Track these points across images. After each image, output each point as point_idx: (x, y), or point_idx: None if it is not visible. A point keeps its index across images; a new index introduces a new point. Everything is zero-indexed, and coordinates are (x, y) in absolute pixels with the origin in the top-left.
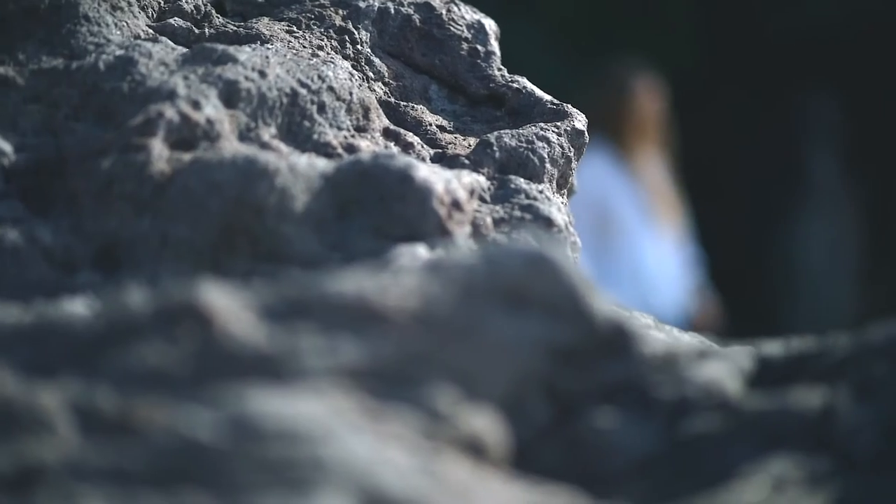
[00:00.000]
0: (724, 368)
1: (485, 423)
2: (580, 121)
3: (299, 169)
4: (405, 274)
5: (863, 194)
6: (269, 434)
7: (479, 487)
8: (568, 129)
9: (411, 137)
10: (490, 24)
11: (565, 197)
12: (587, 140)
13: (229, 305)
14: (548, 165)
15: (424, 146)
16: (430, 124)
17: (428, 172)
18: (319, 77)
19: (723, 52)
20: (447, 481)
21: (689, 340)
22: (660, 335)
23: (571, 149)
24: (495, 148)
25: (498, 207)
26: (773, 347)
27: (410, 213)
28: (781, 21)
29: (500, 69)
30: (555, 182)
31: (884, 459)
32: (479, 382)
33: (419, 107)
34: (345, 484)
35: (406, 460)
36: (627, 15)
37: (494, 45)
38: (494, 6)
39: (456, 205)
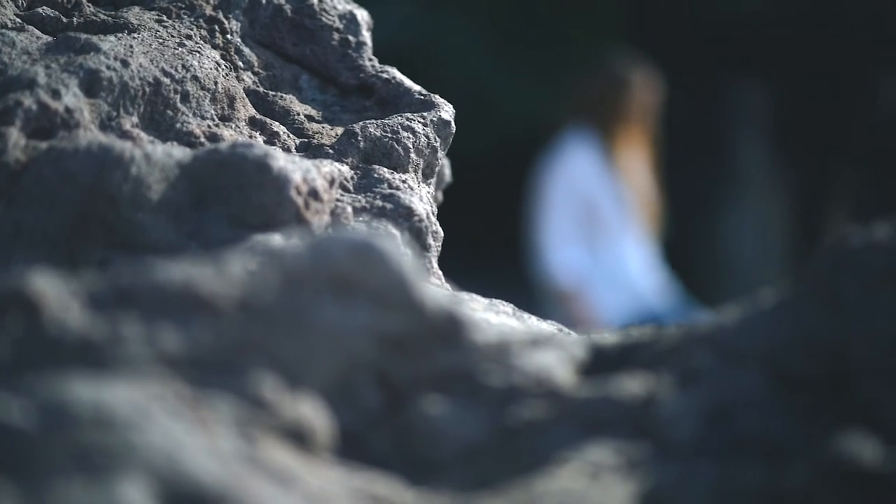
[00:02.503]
0: (555, 357)
1: (309, 411)
2: (447, 111)
3: (155, 158)
4: (233, 262)
5: (791, 180)
6: (83, 420)
7: (300, 473)
8: (434, 119)
9: (277, 127)
10: (362, 15)
11: (432, 187)
12: (453, 130)
13: (56, 293)
14: (412, 155)
15: (291, 136)
16: (299, 114)
17: (286, 162)
18: (184, 66)
19: (651, 40)
20: (266, 467)
21: (545, 328)
22: (514, 323)
23: (438, 139)
24: (360, 138)
25: (360, 197)
26: (610, 337)
27: (267, 202)
28: (709, 10)
29: (370, 59)
30: (420, 172)
31: (702, 445)
32: (305, 370)
33: (288, 97)
34: (151, 470)
35: (224, 446)
36: (557, 4)
37: (366, 36)
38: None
39: (314, 194)
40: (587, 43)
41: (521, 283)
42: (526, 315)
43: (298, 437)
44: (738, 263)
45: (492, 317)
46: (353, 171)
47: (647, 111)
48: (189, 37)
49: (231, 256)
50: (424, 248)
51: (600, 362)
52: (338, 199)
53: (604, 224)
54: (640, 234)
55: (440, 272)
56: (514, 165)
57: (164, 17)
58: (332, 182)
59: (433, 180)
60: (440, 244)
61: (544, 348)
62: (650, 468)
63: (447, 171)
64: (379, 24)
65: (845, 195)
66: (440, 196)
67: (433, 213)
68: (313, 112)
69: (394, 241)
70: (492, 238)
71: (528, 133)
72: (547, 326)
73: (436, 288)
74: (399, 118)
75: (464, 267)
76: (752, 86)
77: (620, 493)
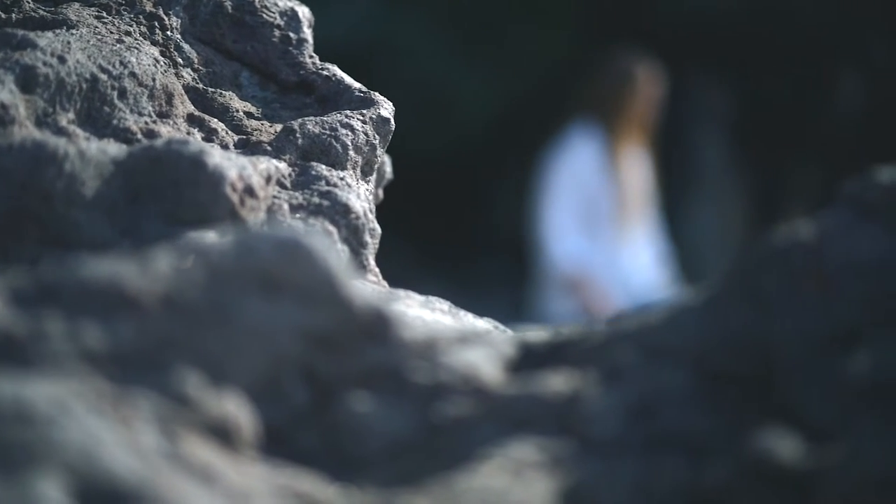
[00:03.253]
0: (483, 354)
1: (233, 408)
2: (386, 109)
3: (90, 154)
4: (158, 259)
5: (750, 177)
6: (3, 415)
7: (223, 470)
8: (374, 116)
9: (216, 124)
10: (304, 12)
11: (371, 184)
12: (393, 128)
13: None
14: (351, 153)
15: (229, 133)
16: (238, 111)
17: (221, 159)
18: (122, 63)
19: (608, 38)
20: (188, 464)
21: (481, 326)
22: (449, 320)
23: (377, 136)
24: (298, 135)
25: (297, 194)
26: (540, 334)
27: (202, 199)
28: (666, 8)
29: (311, 57)
30: (359, 169)
31: (625, 442)
32: (229, 367)
33: (228, 93)
34: (68, 465)
35: (145, 443)
36: (513, 2)
37: (307, 33)
38: None
39: (249, 191)
40: (544, 41)
41: (478, 280)
42: (462, 312)
43: (222, 435)
44: (697, 260)
45: (426, 314)
46: (290, 168)
47: (651, 106)
48: (128, 33)
49: (157, 253)
50: (361, 245)
51: (529, 360)
52: (274, 197)
53: (604, 217)
54: (641, 229)
55: (377, 269)
56: (471, 163)
57: (104, 14)
58: (268, 179)
59: (373, 177)
60: (377, 241)
61: (472, 346)
62: (573, 465)
63: (388, 169)
64: (337, 22)
65: (804, 193)
66: (381, 193)
67: (371, 211)
68: (253, 109)
69: (322, 238)
70: (449, 235)
71: (485, 130)
72: (482, 324)
73: (365, 285)
74: (338, 115)
75: (420, 263)
76: (710, 84)
77: (542, 490)
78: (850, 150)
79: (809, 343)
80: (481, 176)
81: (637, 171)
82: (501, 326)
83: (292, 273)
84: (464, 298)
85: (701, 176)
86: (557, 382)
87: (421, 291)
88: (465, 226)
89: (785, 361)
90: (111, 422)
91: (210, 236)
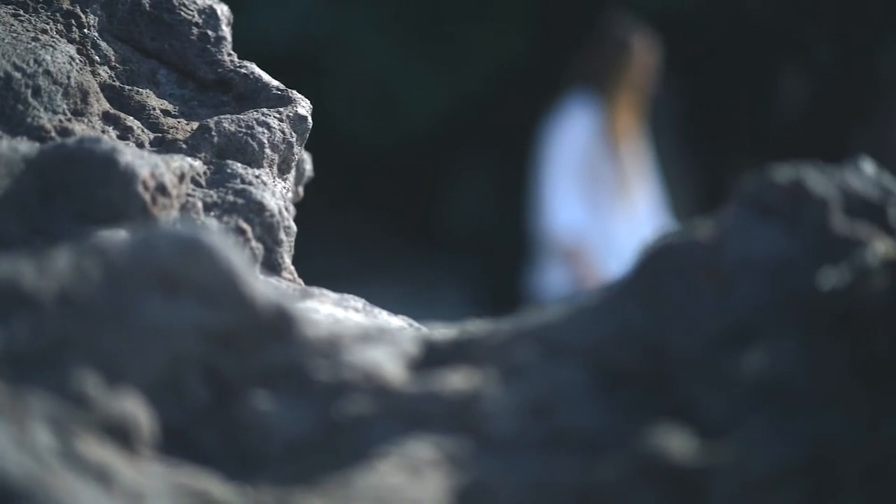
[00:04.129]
0: (386, 352)
1: (131, 407)
2: (304, 107)
3: (0, 152)
4: (57, 257)
5: (695, 173)
6: None
7: (119, 470)
8: (291, 114)
9: (132, 122)
10: (222, 10)
11: (289, 182)
12: (310, 125)
13: None
14: (267, 151)
15: (145, 130)
16: (154, 109)
17: (133, 157)
18: (36, 61)
19: (558, 35)
20: (83, 464)
21: (394, 323)
22: (360, 318)
23: (294, 134)
24: (214, 133)
25: (212, 192)
26: (447, 332)
27: (114, 198)
28: (614, 5)
29: (230, 55)
30: (275, 167)
31: (522, 440)
32: (128, 366)
33: (145, 91)
34: None
35: (39, 443)
36: (463, 2)
37: (226, 31)
38: None
39: (161, 189)
40: (493, 38)
41: (424, 276)
42: (377, 310)
43: (120, 434)
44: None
45: (339, 312)
46: (205, 167)
47: (646, 75)
48: (45, 31)
49: (56, 251)
50: (276, 243)
51: (432, 358)
52: (188, 195)
53: (603, 188)
54: (641, 201)
55: (293, 267)
56: (418, 159)
57: (21, 12)
58: (181, 177)
59: (290, 175)
60: (293, 239)
61: (375, 344)
62: (470, 463)
63: (308, 167)
64: (285, 18)
65: None
66: (301, 191)
67: (288, 209)
68: (170, 107)
69: (224, 237)
70: (396, 231)
71: (436, 127)
72: (396, 321)
73: (275, 282)
74: (255, 113)
75: (366, 260)
76: (658, 81)
77: (438, 488)
78: (794, 147)
79: (704, 341)
80: (432, 173)
81: (635, 142)
82: (416, 324)
83: (192, 271)
84: (415, 295)
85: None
86: (458, 381)
87: (371, 289)
88: (416, 222)
89: (680, 360)
90: (4, 422)
91: (119, 235)
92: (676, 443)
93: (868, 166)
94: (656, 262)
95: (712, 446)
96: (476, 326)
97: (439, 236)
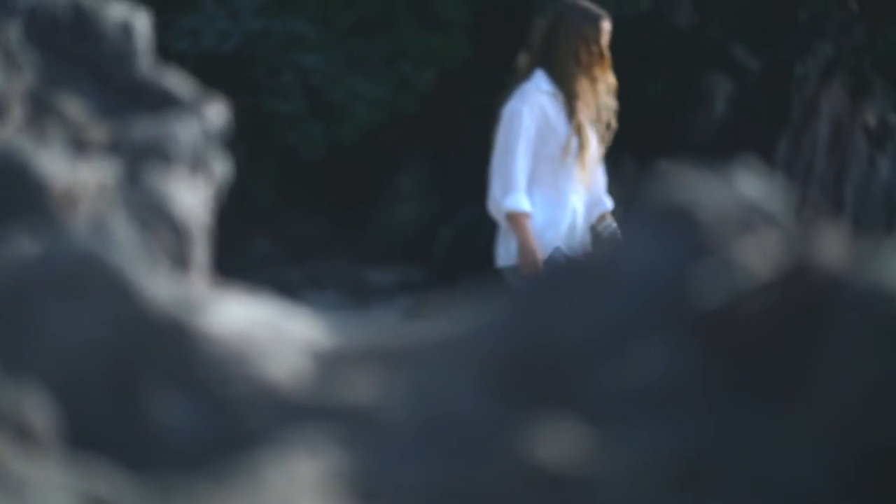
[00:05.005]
0: (286, 358)
1: (32, 408)
2: (218, 113)
3: None
4: None
5: (621, 180)
6: None
7: (17, 469)
8: (205, 121)
9: (51, 128)
10: (141, 20)
11: (204, 187)
12: (224, 132)
13: None
14: (181, 155)
15: (64, 137)
16: (73, 115)
17: (47, 162)
18: None
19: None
20: None
21: (301, 328)
22: (265, 322)
23: (208, 140)
24: (130, 139)
25: (125, 197)
26: (353, 338)
27: (26, 203)
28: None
29: (147, 63)
30: (190, 172)
31: (414, 446)
32: (29, 369)
33: (64, 99)
34: None
35: None
36: (400, 11)
37: (144, 41)
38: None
39: (72, 194)
40: (428, 42)
41: (360, 279)
42: (288, 313)
43: (20, 433)
44: None
45: (246, 314)
46: (120, 172)
47: (602, 56)
48: None
49: None
50: (188, 247)
51: (333, 364)
52: (102, 200)
53: (553, 167)
54: (591, 183)
55: (205, 269)
56: (357, 166)
57: None
58: (94, 183)
59: (206, 180)
60: (207, 244)
61: (275, 349)
62: (364, 467)
63: (222, 171)
64: (223, 24)
65: None
66: (216, 196)
67: (201, 214)
68: (87, 114)
69: (124, 245)
70: (332, 235)
71: (372, 134)
72: (298, 326)
73: (170, 288)
74: (170, 120)
75: (303, 264)
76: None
77: (330, 493)
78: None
79: (589, 347)
80: (370, 180)
81: (589, 126)
82: (329, 330)
83: (93, 278)
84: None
85: None
86: (356, 388)
87: (309, 295)
88: (356, 226)
89: (568, 366)
90: None
91: (24, 241)
92: (554, 449)
93: (758, 176)
94: (549, 268)
95: (595, 449)
96: (383, 334)
97: (378, 242)
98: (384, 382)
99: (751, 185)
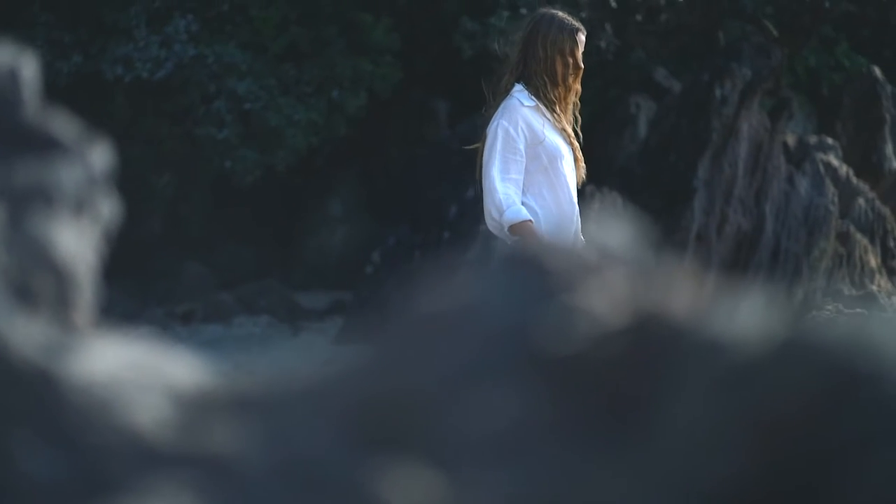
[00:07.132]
0: (152, 406)
1: None
2: (97, 157)
3: None
4: None
5: None
6: None
7: None
8: (88, 164)
9: None
10: (25, 69)
11: (87, 230)
12: (108, 175)
13: None
14: (64, 199)
15: None
16: None
17: None
18: None
19: (422, 64)
20: None
21: (180, 371)
22: (144, 364)
23: (91, 184)
24: (9, 184)
25: (5, 242)
26: (224, 385)
27: None
28: (473, 45)
29: (31, 106)
30: (73, 215)
31: (275, 494)
32: None
33: None
34: None
35: None
36: (332, 29)
37: (29, 87)
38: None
39: None
40: (359, 66)
41: (292, 303)
42: (168, 354)
43: None
44: None
45: (111, 359)
46: (1, 217)
47: (578, 68)
48: None
49: None
50: (70, 291)
51: (200, 413)
52: None
53: (548, 179)
54: (568, 188)
55: (90, 311)
56: (285, 188)
57: None
58: None
59: (90, 223)
60: (90, 287)
61: (141, 397)
62: None
63: (109, 213)
64: (156, 51)
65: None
66: (102, 237)
67: (85, 257)
68: None
69: None
70: (264, 259)
71: (303, 160)
72: (166, 370)
73: (37, 335)
74: (52, 163)
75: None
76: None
77: None
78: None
79: (443, 392)
80: (301, 206)
81: (570, 135)
82: (214, 371)
83: None
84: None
85: None
86: (218, 435)
87: (243, 316)
88: (287, 251)
89: (422, 411)
90: None
91: None
92: (407, 490)
93: (621, 221)
94: (408, 321)
95: (443, 492)
96: (255, 381)
97: (309, 266)
98: (245, 429)
99: (611, 230)
